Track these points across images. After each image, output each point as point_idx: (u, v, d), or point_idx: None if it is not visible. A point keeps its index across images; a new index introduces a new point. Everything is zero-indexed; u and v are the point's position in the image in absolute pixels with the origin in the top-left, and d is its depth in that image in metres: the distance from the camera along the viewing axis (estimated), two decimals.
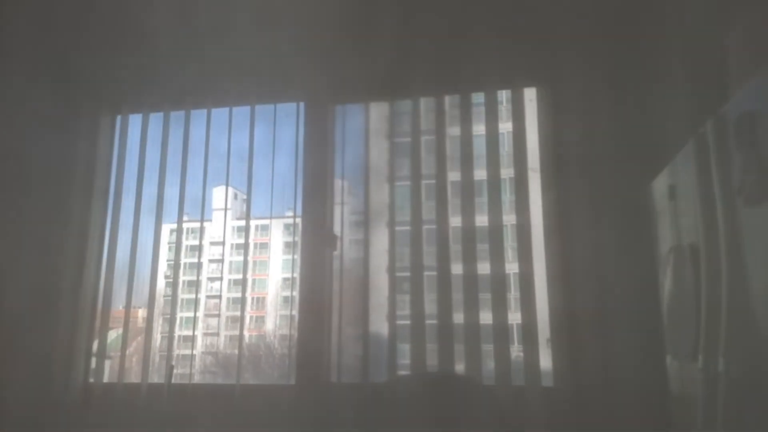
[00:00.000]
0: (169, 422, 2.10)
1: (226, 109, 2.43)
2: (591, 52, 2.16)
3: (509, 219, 2.21)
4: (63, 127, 2.45)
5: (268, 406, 2.13)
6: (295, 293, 2.32)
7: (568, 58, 2.19)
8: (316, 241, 2.31)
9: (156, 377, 2.29)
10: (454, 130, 2.33)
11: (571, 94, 2.18)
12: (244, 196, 2.42)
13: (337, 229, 2.33)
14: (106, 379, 2.35)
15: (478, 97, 2.31)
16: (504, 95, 2.32)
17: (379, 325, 2.20)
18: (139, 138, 2.44)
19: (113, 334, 2.40)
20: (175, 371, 2.30)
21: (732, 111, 1.29)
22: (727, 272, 1.28)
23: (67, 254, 2.36)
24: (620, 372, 1.91)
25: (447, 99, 2.34)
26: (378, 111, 2.40)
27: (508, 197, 2.24)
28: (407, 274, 2.20)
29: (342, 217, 2.35)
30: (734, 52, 1.53)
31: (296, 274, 2.34)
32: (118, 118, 2.53)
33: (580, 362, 1.98)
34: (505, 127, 2.28)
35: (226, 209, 2.49)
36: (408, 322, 2.16)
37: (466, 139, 2.25)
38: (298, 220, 2.40)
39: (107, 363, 2.41)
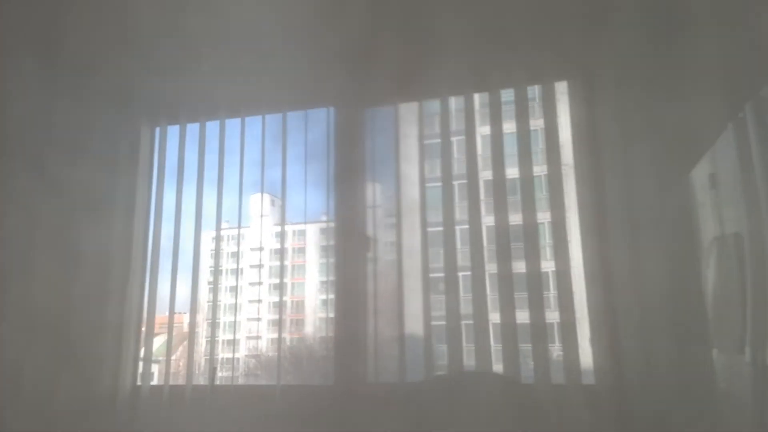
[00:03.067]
0: (214, 422, 2.16)
1: (259, 118, 2.50)
2: (622, 41, 2.11)
3: (544, 216, 2.18)
4: (106, 140, 2.56)
5: (308, 406, 2.16)
6: (332, 296, 2.35)
7: (599, 50, 2.15)
8: (349, 244, 2.34)
9: (202, 380, 2.37)
10: (484, 129, 2.33)
11: (603, 86, 2.13)
12: (280, 202, 2.48)
13: (370, 232, 2.35)
14: (154, 382, 2.44)
15: (508, 94, 2.29)
16: (535, 91, 2.30)
17: (415, 326, 2.21)
18: (177, 148, 2.54)
19: (160, 340, 2.49)
20: (219, 374, 2.37)
21: None
22: None
23: (113, 262, 2.46)
24: (664, 368, 1.84)
25: (476, 97, 2.33)
26: (407, 112, 2.41)
27: (542, 194, 2.21)
28: (441, 274, 2.20)
29: (374, 220, 2.37)
30: None
31: (332, 277, 2.37)
32: (157, 129, 2.63)
33: (622, 359, 1.93)
34: (537, 123, 2.26)
35: (261, 215, 2.55)
36: (443, 322, 2.16)
37: (497, 138, 2.24)
38: (332, 224, 2.44)
39: (156, 367, 2.51)
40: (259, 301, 2.57)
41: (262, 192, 2.54)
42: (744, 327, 1.32)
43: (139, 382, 2.37)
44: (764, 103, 1.27)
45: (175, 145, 2.54)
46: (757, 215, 1.28)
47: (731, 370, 1.51)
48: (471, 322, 2.13)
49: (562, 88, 2.27)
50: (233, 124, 2.51)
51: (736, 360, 1.41)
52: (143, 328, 2.42)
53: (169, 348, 2.38)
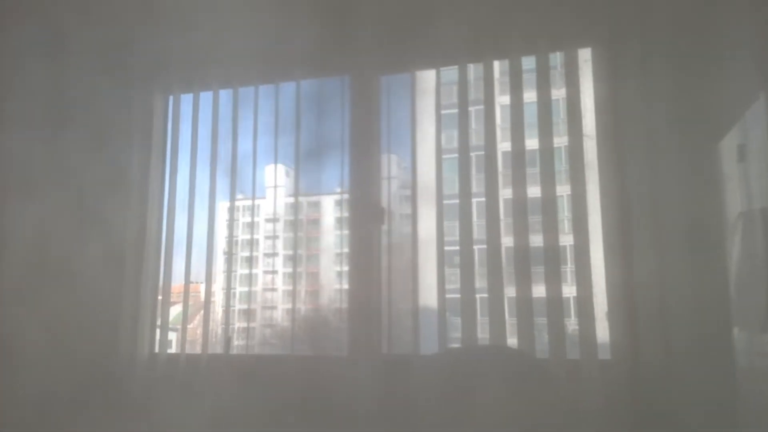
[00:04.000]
0: (228, 390, 2.21)
1: (273, 86, 2.46)
2: (649, 5, 2.01)
3: (564, 189, 2.13)
4: (120, 107, 2.56)
5: (322, 376, 2.19)
6: (346, 268, 2.35)
7: (624, 14, 2.05)
8: (363, 215, 2.32)
9: (218, 348, 2.41)
10: (503, 99, 2.26)
11: (629, 52, 2.04)
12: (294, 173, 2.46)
13: (384, 204, 2.33)
14: (172, 350, 2.49)
15: (529, 62, 2.21)
16: (557, 58, 2.22)
17: (430, 299, 2.20)
18: (191, 117, 2.53)
19: (177, 309, 2.53)
20: (236, 343, 2.41)
21: None
22: None
23: (128, 230, 2.49)
24: (683, 345, 1.81)
25: (496, 65, 2.26)
26: (424, 80, 2.35)
27: (562, 167, 2.15)
28: (457, 248, 2.17)
29: (389, 192, 2.34)
30: None
31: (347, 249, 2.37)
32: (170, 97, 2.62)
33: (640, 335, 1.90)
34: (559, 93, 2.18)
35: (276, 186, 2.54)
36: (458, 295, 2.14)
37: (517, 107, 2.17)
38: (347, 196, 2.42)
39: (174, 335, 2.55)
40: (275, 272, 2.58)
41: (275, 162, 2.52)
42: (767, 306, 1.27)
43: (156, 350, 2.42)
44: None
45: (189, 114, 2.52)
46: None
47: (752, 349, 1.47)
48: (486, 295, 2.12)
49: (585, 55, 2.18)
50: (247, 93, 2.48)
51: (757, 339, 1.36)
52: (159, 297, 2.46)
53: (185, 317, 2.42)
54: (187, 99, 2.56)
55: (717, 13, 1.87)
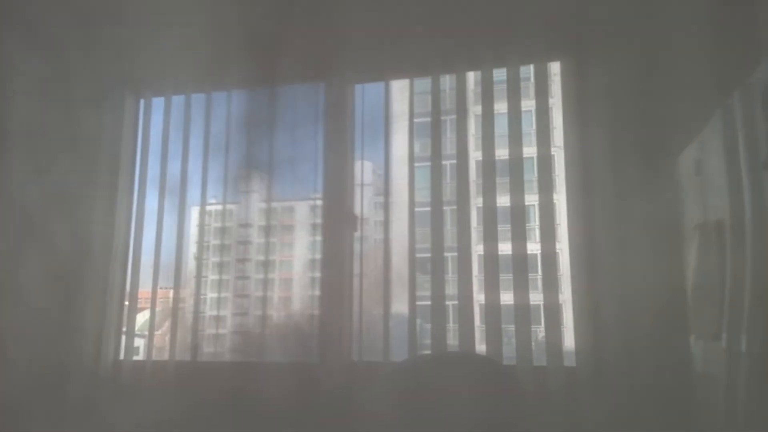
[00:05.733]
0: (195, 397, 2.18)
1: (246, 92, 2.45)
2: (616, 23, 2.08)
3: (533, 199, 2.18)
4: (90, 109, 2.52)
5: (293, 384, 2.18)
6: (319, 274, 2.35)
7: (592, 32, 2.12)
8: (336, 222, 2.33)
9: (187, 355, 2.37)
10: (476, 109, 2.30)
11: (596, 68, 2.10)
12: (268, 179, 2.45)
13: (358, 211, 2.34)
14: (139, 357, 2.45)
15: (501, 74, 2.26)
16: (529, 71, 2.27)
17: (401, 306, 2.22)
18: (162, 122, 2.50)
19: (147, 314, 2.49)
20: (205, 350, 2.37)
21: (760, 81, 1.23)
22: (752, 250, 1.23)
23: (95, 233, 2.44)
24: (643, 352, 1.87)
25: (470, 76, 2.30)
26: (398, 90, 2.38)
27: (533, 176, 2.20)
28: (428, 255, 2.19)
29: (362, 198, 2.36)
30: (763, 20, 1.45)
31: (319, 255, 2.36)
32: (141, 101, 2.59)
33: (603, 342, 1.95)
34: (530, 104, 2.24)
35: (248, 191, 2.53)
36: (429, 302, 2.16)
37: (488, 118, 2.22)
38: (320, 202, 2.42)
39: (141, 342, 2.51)
40: (246, 277, 2.56)
41: (247, 167, 2.51)
42: (721, 314, 1.33)
43: (121, 356, 2.38)
44: (751, 91, 1.25)
45: (160, 118, 2.50)
46: (739, 204, 1.28)
47: (707, 356, 1.52)
48: (456, 302, 2.14)
49: (555, 69, 2.24)
50: (220, 98, 2.47)
51: (712, 346, 1.42)
52: (126, 302, 2.42)
53: (152, 322, 2.38)
54: (158, 102, 2.53)
55: (679, 36, 1.95)
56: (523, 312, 2.06)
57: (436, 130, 2.25)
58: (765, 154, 1.19)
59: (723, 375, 1.34)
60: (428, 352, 2.16)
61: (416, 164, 2.30)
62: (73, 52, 2.50)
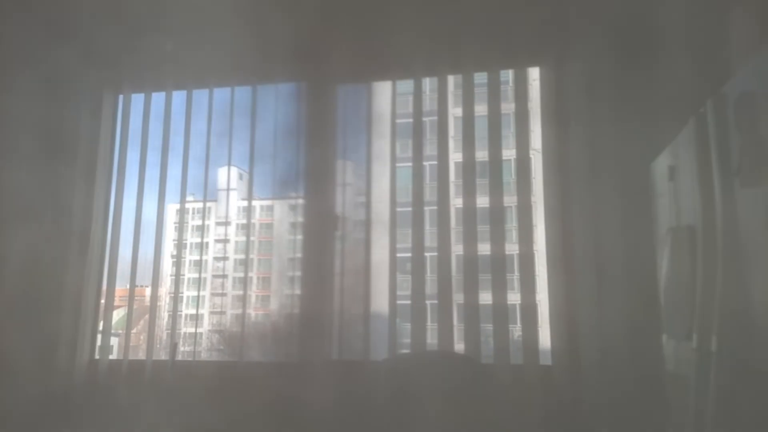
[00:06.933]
0: (173, 397, 2.15)
1: (228, 90, 2.43)
2: (594, 30, 2.13)
3: (511, 200, 2.22)
4: (67, 103, 2.46)
5: (271, 383, 2.17)
6: (299, 273, 2.35)
7: (572, 38, 2.16)
8: (318, 221, 2.33)
9: (163, 354, 2.34)
10: (456, 111, 2.33)
11: (574, 73, 2.15)
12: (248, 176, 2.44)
13: (339, 210, 2.35)
14: (114, 356, 2.41)
15: (481, 77, 2.29)
16: (509, 75, 2.31)
17: (381, 305, 2.23)
18: (141, 117, 2.46)
19: (121, 312, 2.45)
20: (182, 349, 2.35)
21: (733, 90, 1.28)
22: (722, 253, 1.29)
23: (72, 230, 2.39)
24: (617, 351, 1.92)
25: (450, 79, 2.33)
26: (380, 91, 2.39)
27: (511, 178, 2.24)
28: (409, 254, 2.21)
29: (344, 198, 2.36)
30: (737, 31, 1.51)
31: (299, 255, 2.36)
32: (120, 96, 2.54)
33: (579, 341, 2.00)
34: (509, 107, 2.27)
35: (228, 189, 2.51)
36: (408, 302, 2.19)
37: (469, 120, 2.25)
38: (301, 201, 2.41)
39: (116, 341, 2.46)
40: (224, 276, 2.54)
41: (229, 165, 2.49)
42: (692, 315, 1.38)
43: (97, 356, 2.33)
44: (724, 100, 1.30)
45: (140, 114, 2.46)
46: (710, 209, 1.33)
47: (678, 356, 1.58)
48: (435, 302, 2.17)
49: (534, 74, 2.28)
50: (201, 95, 2.44)
51: (683, 346, 1.47)
52: (102, 301, 2.38)
53: (129, 321, 2.34)
54: (138, 99, 2.49)
55: (656, 46, 2.01)
56: (500, 311, 2.10)
57: (417, 131, 2.27)
58: (736, 161, 1.24)
59: (693, 373, 1.39)
60: (408, 351, 2.18)
61: (397, 164, 2.31)
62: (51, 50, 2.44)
